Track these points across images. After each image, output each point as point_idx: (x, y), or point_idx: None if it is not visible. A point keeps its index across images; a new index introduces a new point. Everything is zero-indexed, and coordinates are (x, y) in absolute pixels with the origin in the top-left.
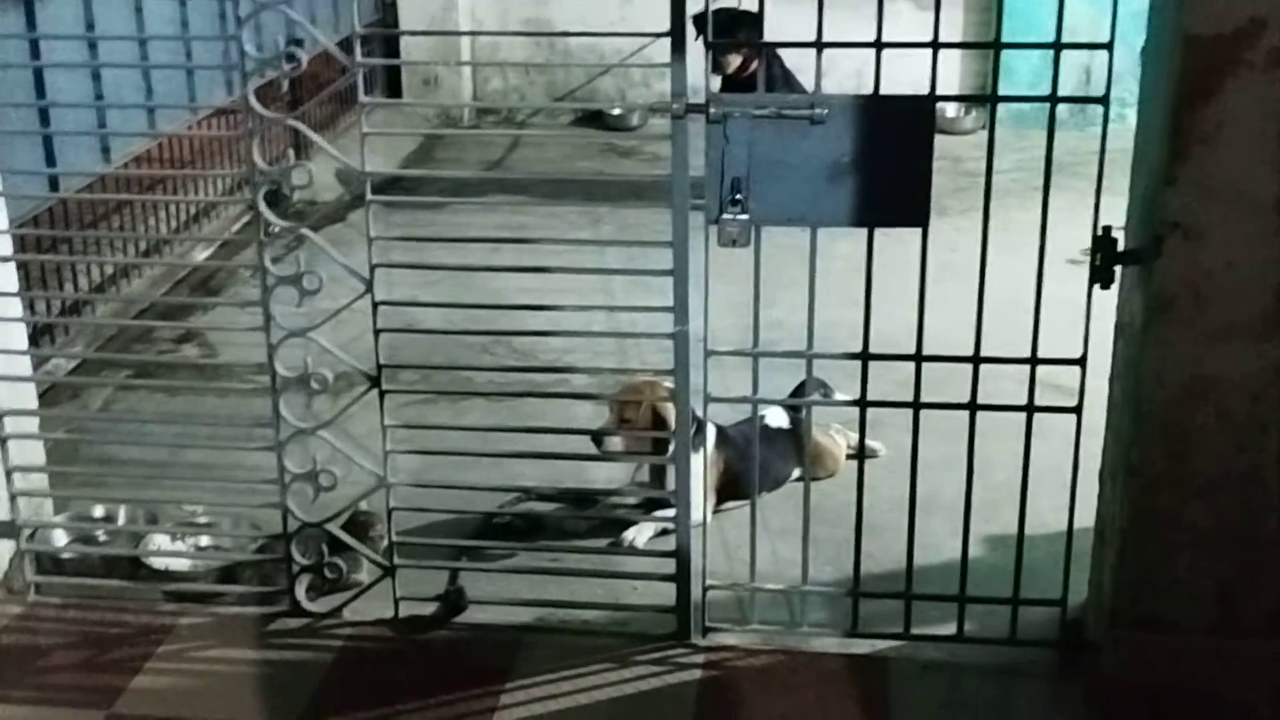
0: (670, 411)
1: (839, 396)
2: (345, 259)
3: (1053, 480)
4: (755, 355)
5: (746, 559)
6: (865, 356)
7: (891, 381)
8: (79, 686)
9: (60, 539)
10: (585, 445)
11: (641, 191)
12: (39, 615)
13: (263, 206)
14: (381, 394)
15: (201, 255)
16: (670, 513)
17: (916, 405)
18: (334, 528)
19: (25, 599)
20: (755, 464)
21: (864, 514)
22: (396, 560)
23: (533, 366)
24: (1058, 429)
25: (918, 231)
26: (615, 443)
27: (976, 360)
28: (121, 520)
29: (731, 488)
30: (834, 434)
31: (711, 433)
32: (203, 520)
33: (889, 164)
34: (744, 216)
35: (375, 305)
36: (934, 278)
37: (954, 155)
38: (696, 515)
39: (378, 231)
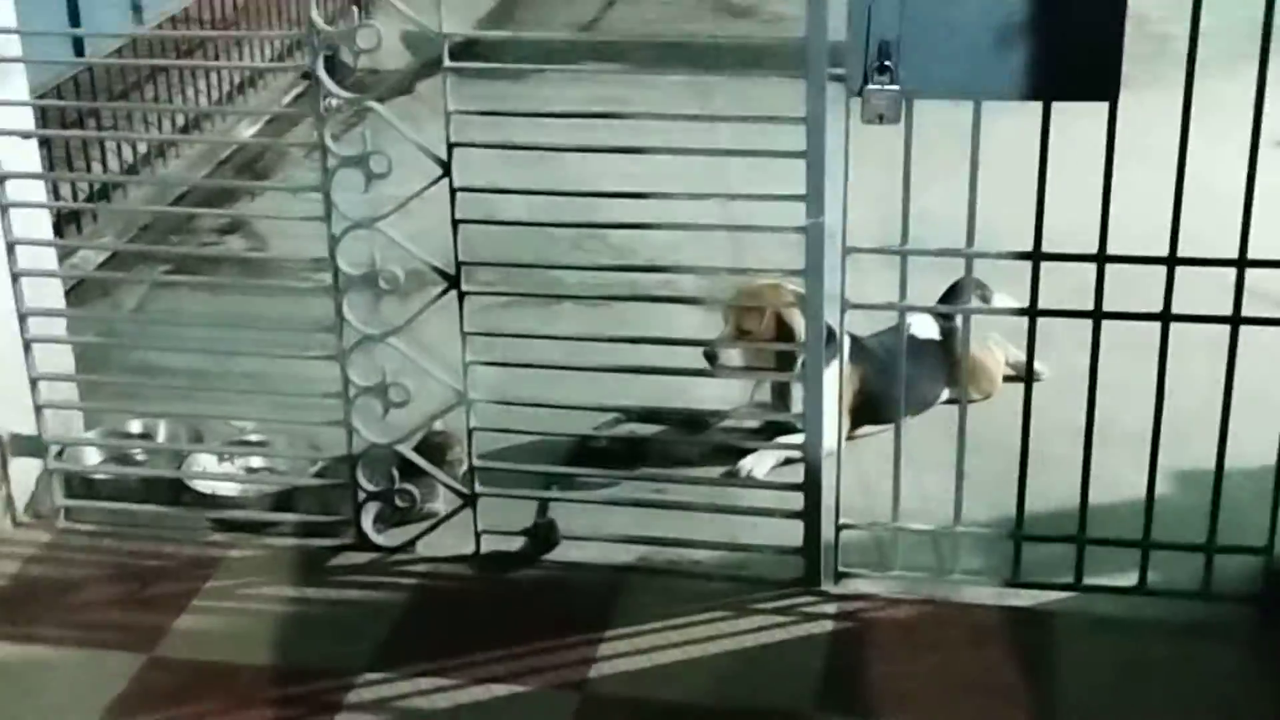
0: (798, 319)
1: (1000, 302)
2: (417, 137)
3: (1258, 406)
4: (902, 253)
5: (887, 494)
6: (1037, 256)
7: (1063, 288)
8: (116, 625)
9: (92, 458)
10: (696, 359)
11: (761, 59)
12: (69, 544)
13: (322, 74)
14: (461, 296)
15: (249, 131)
16: (797, 439)
17: (1097, 315)
18: (406, 449)
19: (54, 525)
20: (899, 382)
21: (1029, 443)
22: (477, 488)
23: (634, 265)
24: (1266, 345)
25: (1099, 108)
26: (732, 356)
27: (1172, 262)
28: (161, 437)
29: (870, 410)
30: (992, 348)
31: (847, 345)
32: (254, 439)
33: (1071, 25)
34: (893, 88)
35: (453, 192)
36: (1117, 164)
37: (1137, 13)
38: (828, 442)
39: (454, 105)
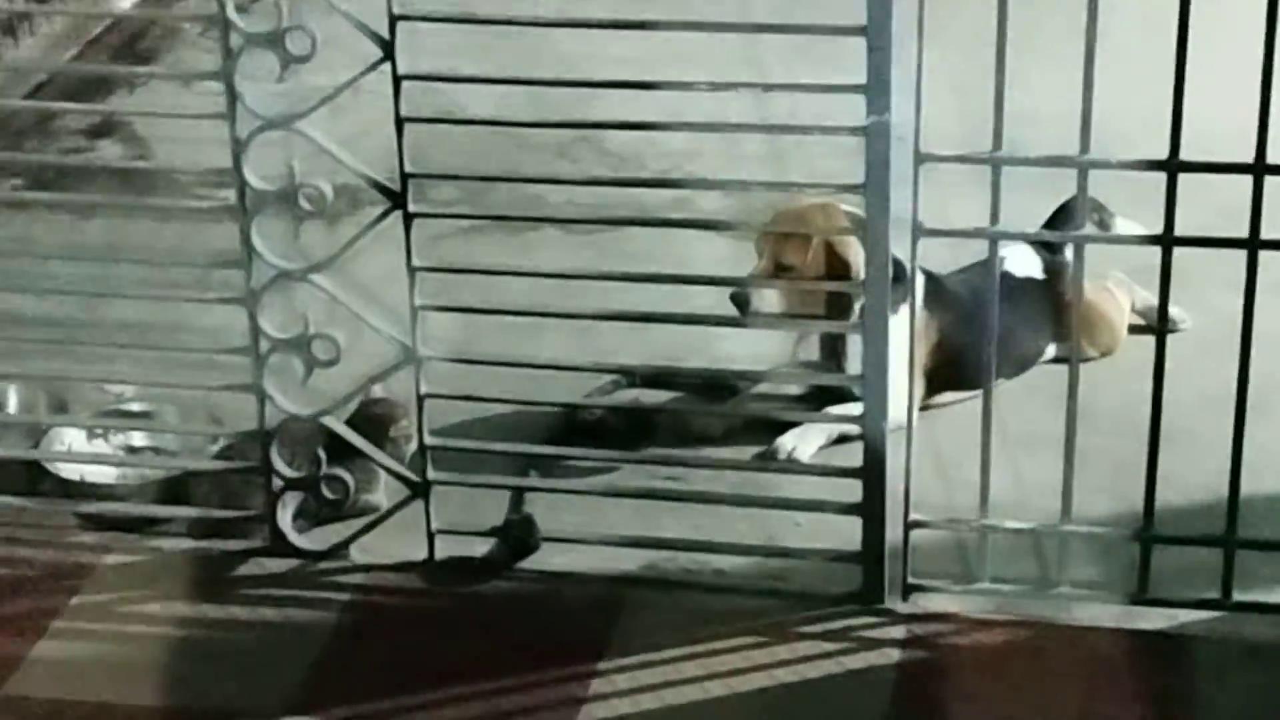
0: (855, 251)
1: (1125, 229)
2: (349, 5)
3: None
4: (995, 162)
5: (971, 482)
6: (1173, 166)
7: (1208, 209)
8: None
9: None
10: (720, 303)
11: None
12: None
13: None
14: (408, 218)
15: (127, 1)
16: (854, 409)
17: (1254, 244)
18: (336, 423)
19: None
20: (990, 335)
21: (1161, 415)
22: (430, 474)
23: (639, 179)
24: None
25: None
26: (768, 299)
27: None
28: (11, 406)
29: (950, 371)
30: (1113, 289)
31: (920, 285)
32: (135, 408)
33: None
34: None
35: (397, 80)
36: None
37: None
38: (895, 413)
39: None
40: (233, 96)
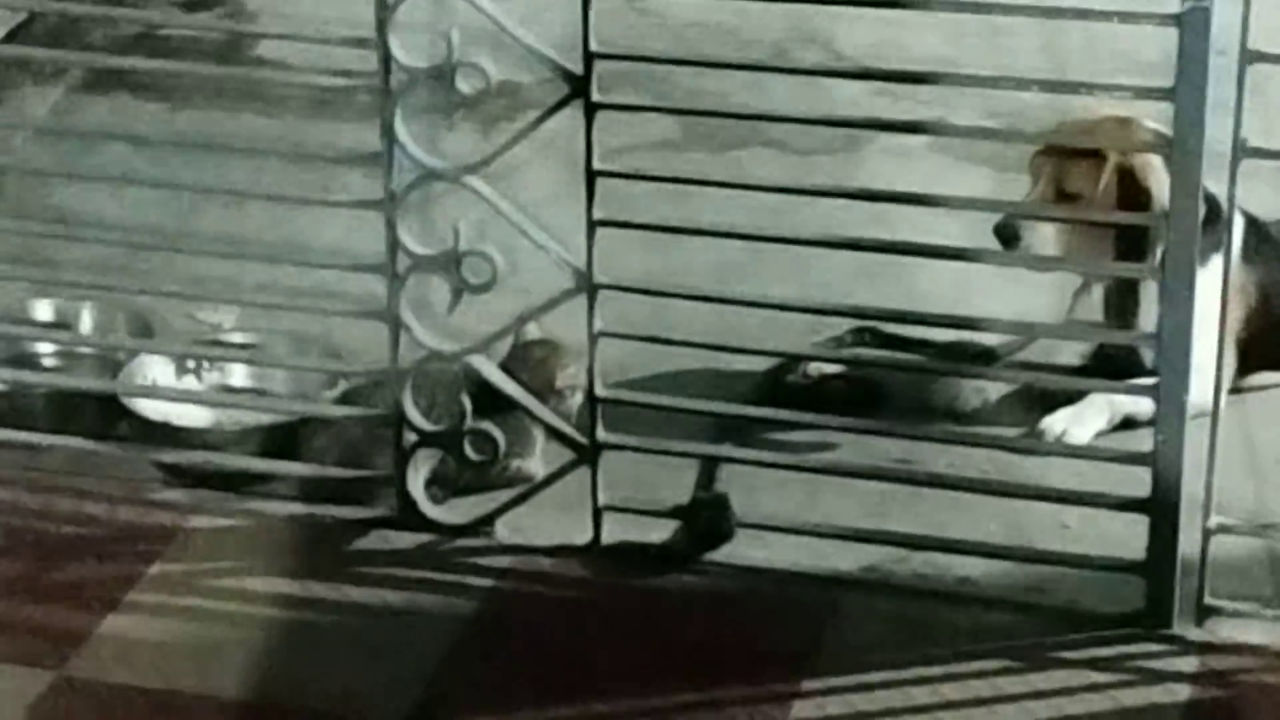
0: (1158, 177)
1: None
2: None
3: None
4: None
5: None
6: None
7: None
8: (7, 626)
9: None
10: (982, 237)
11: None
12: None
13: None
14: (590, 109)
15: None
16: (1146, 383)
17: None
18: (486, 365)
19: None
20: None
21: None
22: (601, 435)
23: (874, 71)
24: None
25: None
26: (1043, 234)
27: None
28: (86, 329)
29: (1271, 344)
30: None
31: (1239, 229)
32: (236, 338)
33: None
34: None
35: None
36: None
37: None
38: (1200, 394)
39: None
40: None
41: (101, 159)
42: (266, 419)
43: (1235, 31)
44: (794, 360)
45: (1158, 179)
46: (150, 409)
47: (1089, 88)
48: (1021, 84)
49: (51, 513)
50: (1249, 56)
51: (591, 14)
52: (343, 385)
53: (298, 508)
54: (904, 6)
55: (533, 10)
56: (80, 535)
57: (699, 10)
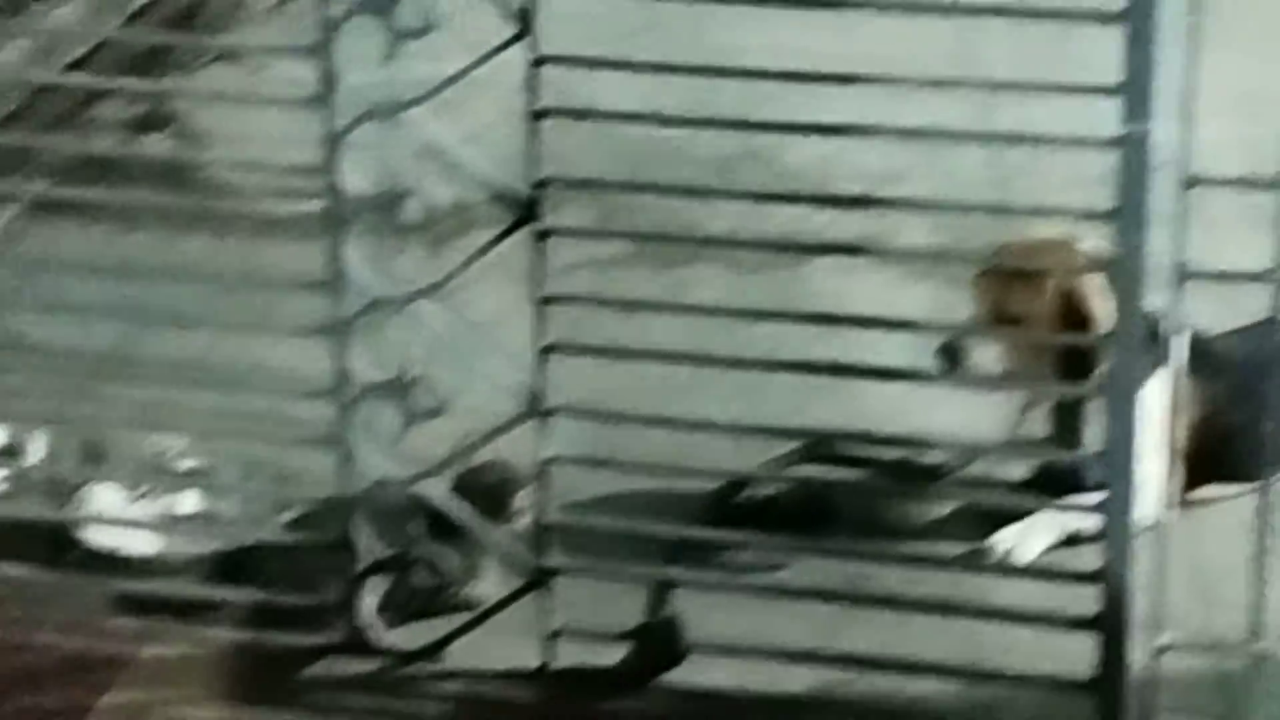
0: (1100, 298)
1: None
2: None
3: None
4: None
5: (1242, 601)
6: None
7: None
8: None
9: None
10: (926, 351)
11: None
12: None
13: None
14: (540, 236)
15: None
16: (1091, 499)
17: None
18: (436, 491)
19: None
20: (1272, 413)
21: None
22: (552, 560)
23: (819, 195)
24: None
25: None
26: (987, 355)
27: None
28: (34, 456)
29: (1216, 457)
30: None
31: (1184, 345)
32: (186, 465)
33: None
34: None
35: (537, 63)
36: None
37: None
38: (1146, 507)
39: None
40: (329, 78)
41: (50, 284)
42: (216, 546)
43: (1177, 152)
44: (740, 481)
45: (1099, 299)
46: (100, 537)
47: (1031, 211)
48: (965, 208)
49: (1, 643)
50: (1190, 181)
51: (539, 139)
52: (292, 511)
53: (248, 635)
54: (848, 133)
55: (483, 128)
56: (28, 664)
57: (646, 125)
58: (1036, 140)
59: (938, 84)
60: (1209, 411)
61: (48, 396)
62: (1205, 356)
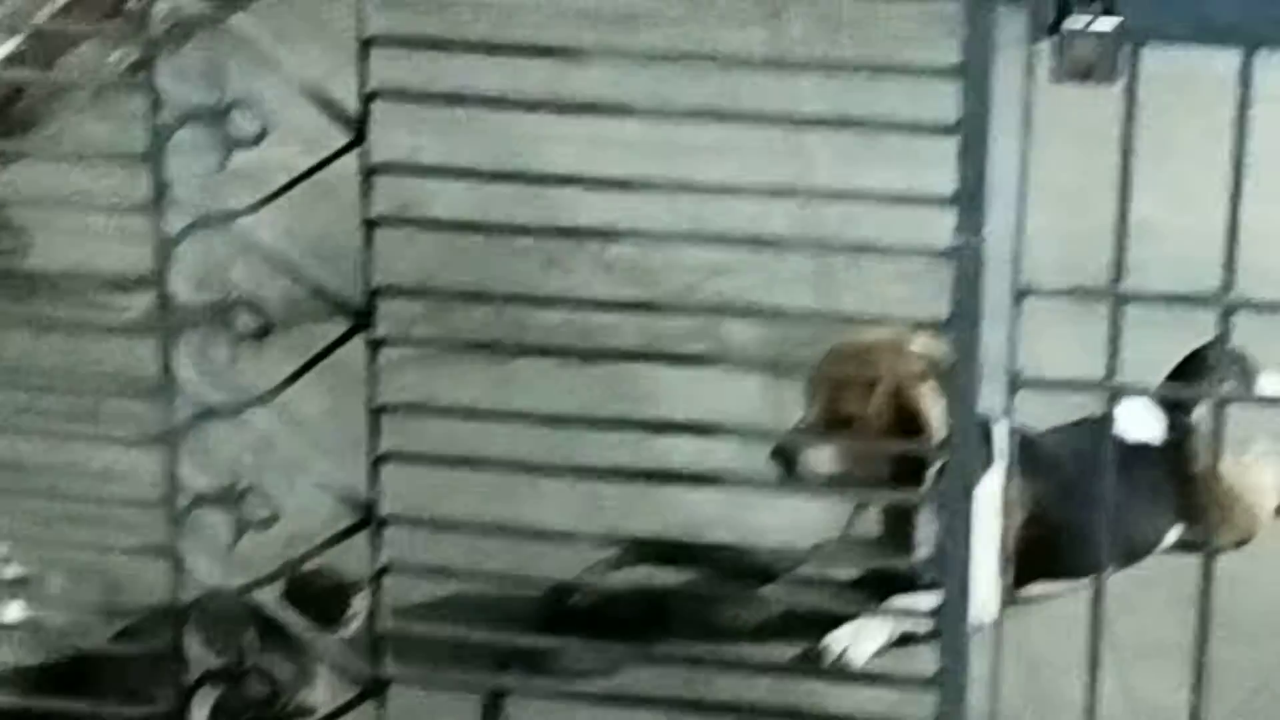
0: (932, 401)
1: (1273, 384)
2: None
3: None
4: (1115, 297)
5: (1075, 700)
6: None
7: None
8: None
9: None
10: (758, 461)
11: None
12: None
13: None
14: (373, 345)
15: None
16: (924, 601)
17: None
18: (270, 600)
19: None
20: (1099, 512)
21: None
22: (388, 669)
23: (649, 302)
24: None
25: None
26: (819, 458)
27: None
28: None
29: (1045, 555)
30: (1255, 462)
31: (1009, 446)
32: (10, 573)
33: None
34: (1109, 23)
35: (369, 172)
36: None
37: None
38: (980, 608)
39: (377, 23)
40: (160, 186)
41: None
42: (41, 656)
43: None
44: (572, 587)
45: (932, 404)
46: None
47: (862, 320)
48: (799, 317)
49: None
50: (1022, 291)
51: (373, 247)
52: (123, 620)
53: None
54: (670, 240)
55: (320, 233)
56: None
57: (471, 212)
58: (866, 249)
59: (772, 193)
60: (1036, 510)
61: None
62: (1033, 456)
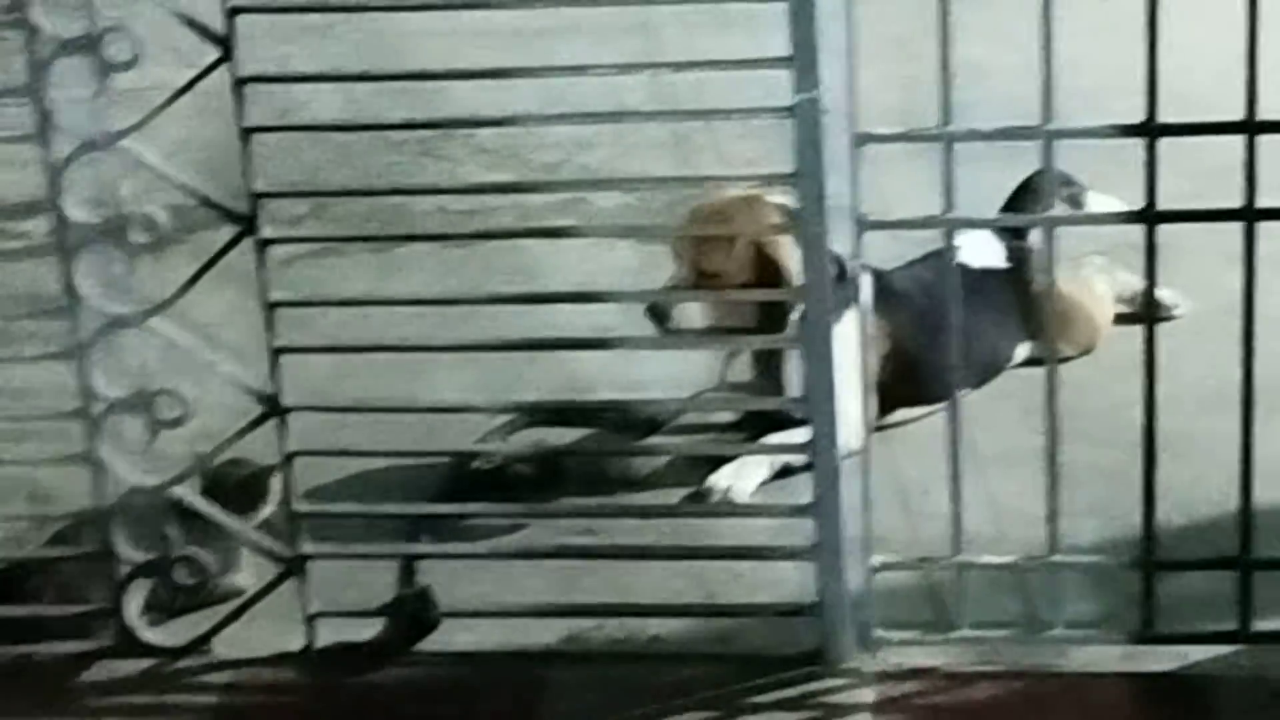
0: (789, 252)
1: (1100, 205)
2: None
3: None
4: (945, 138)
5: (942, 512)
6: (1153, 130)
7: (1195, 176)
8: None
9: None
10: (633, 320)
11: None
12: None
13: None
14: (260, 245)
15: None
16: (797, 436)
17: (1250, 214)
18: (188, 493)
19: None
20: (951, 338)
21: (1156, 419)
22: (304, 547)
23: (519, 184)
24: None
25: None
26: (689, 313)
27: None
28: None
29: (907, 384)
30: (1091, 277)
31: (867, 285)
32: None
33: None
34: None
35: (240, 83)
36: None
37: None
38: (847, 437)
39: None
40: (44, 114)
41: None
42: None
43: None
44: (471, 455)
45: (788, 253)
46: None
47: (718, 179)
48: (658, 182)
49: None
50: (859, 139)
51: (250, 155)
52: (51, 527)
53: (19, 649)
54: (530, 123)
55: (202, 144)
56: None
57: (346, 110)
58: (713, 113)
59: (626, 68)
60: (894, 343)
61: None
62: (886, 293)
